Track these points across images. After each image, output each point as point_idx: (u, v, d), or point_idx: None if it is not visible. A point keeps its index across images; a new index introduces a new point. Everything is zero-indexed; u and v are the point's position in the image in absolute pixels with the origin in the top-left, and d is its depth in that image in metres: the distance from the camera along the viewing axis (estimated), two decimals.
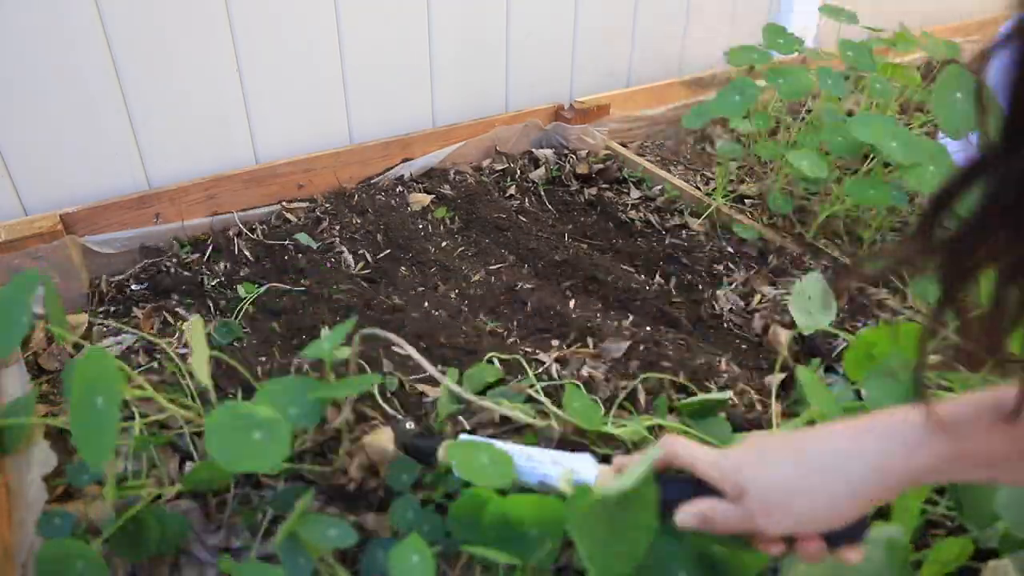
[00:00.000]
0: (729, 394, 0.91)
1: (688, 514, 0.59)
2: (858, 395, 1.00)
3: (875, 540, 0.63)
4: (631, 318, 1.17)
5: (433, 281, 1.26)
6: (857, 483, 0.53)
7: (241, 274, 1.23)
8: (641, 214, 1.50)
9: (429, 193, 1.49)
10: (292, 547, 0.66)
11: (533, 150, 1.69)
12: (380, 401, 0.91)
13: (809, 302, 0.98)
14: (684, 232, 1.45)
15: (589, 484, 0.65)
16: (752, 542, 0.59)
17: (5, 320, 0.70)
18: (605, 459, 0.73)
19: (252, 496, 0.82)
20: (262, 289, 1.18)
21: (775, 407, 0.91)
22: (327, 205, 1.39)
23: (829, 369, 1.05)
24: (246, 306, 1.15)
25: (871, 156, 1.33)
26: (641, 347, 1.05)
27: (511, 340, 1.11)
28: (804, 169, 1.29)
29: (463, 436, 0.78)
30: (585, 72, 1.81)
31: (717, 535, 0.60)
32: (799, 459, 0.56)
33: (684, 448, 0.61)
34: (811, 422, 0.84)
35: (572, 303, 1.19)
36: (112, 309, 1.15)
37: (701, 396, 0.89)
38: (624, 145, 1.79)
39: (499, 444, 0.72)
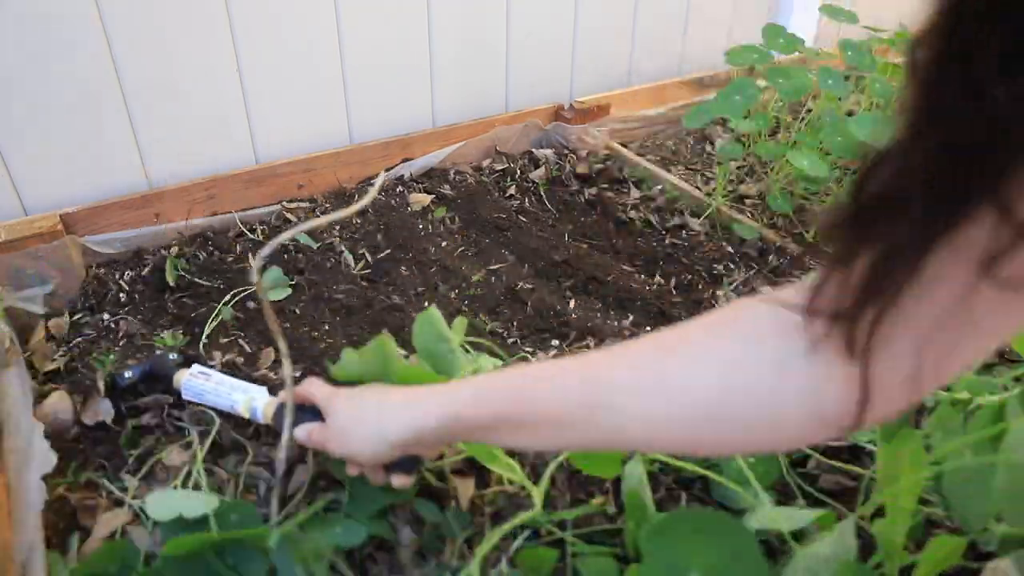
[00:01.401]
0: None
1: (301, 430, 0.75)
2: None
3: (823, 558, 0.62)
4: (631, 318, 1.17)
5: (433, 281, 1.26)
6: (393, 435, 0.67)
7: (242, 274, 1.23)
8: (641, 214, 1.50)
9: (429, 193, 1.49)
10: None
11: (533, 150, 1.69)
12: None
13: None
14: (684, 232, 1.45)
15: (257, 412, 0.84)
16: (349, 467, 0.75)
17: None
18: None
19: None
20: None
21: None
22: (327, 205, 1.39)
23: None
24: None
25: None
26: None
27: (511, 340, 1.11)
28: (804, 169, 1.29)
29: (196, 366, 0.92)
30: (585, 72, 1.81)
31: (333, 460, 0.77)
32: (362, 406, 0.71)
33: (312, 385, 0.78)
34: None
35: (572, 303, 1.19)
36: (107, 308, 1.15)
37: None
38: (624, 145, 1.79)
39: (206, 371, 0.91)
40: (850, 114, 1.60)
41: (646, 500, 0.74)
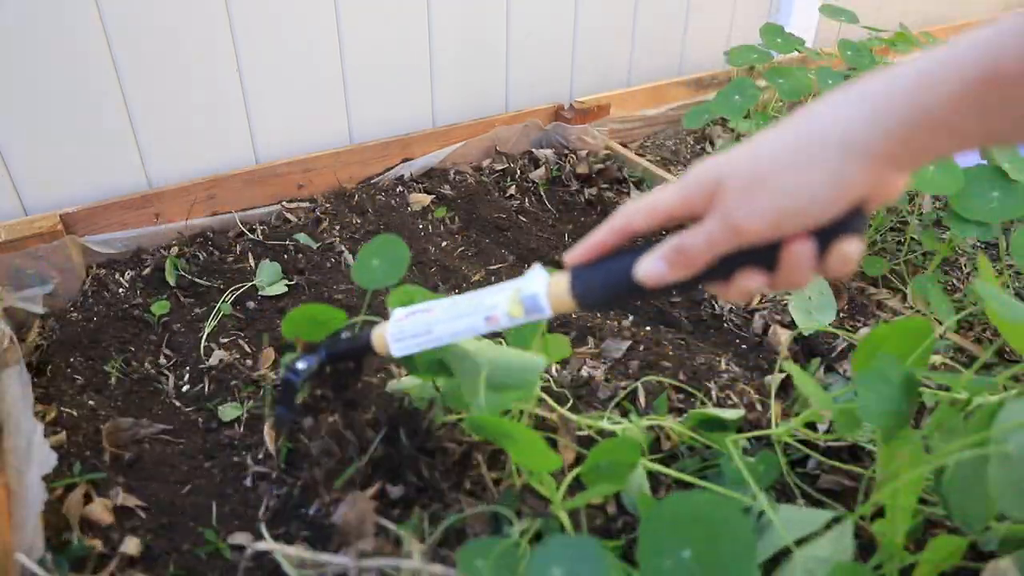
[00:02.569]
0: (741, 412, 0.89)
1: (651, 260, 0.51)
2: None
3: (821, 558, 0.62)
4: (631, 318, 1.17)
5: (433, 281, 1.26)
6: (865, 139, 0.43)
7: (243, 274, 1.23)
8: None
9: (429, 193, 1.49)
10: None
11: (533, 150, 1.69)
12: None
13: (809, 302, 0.98)
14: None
15: (542, 306, 0.58)
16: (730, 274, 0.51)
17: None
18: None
19: None
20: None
21: (775, 407, 0.91)
22: (327, 205, 1.39)
23: (829, 369, 1.05)
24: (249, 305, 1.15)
25: None
26: (641, 347, 1.05)
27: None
28: None
29: (396, 311, 0.69)
30: (585, 72, 1.81)
31: (686, 284, 0.52)
32: (795, 128, 0.46)
33: (642, 198, 0.54)
34: (810, 425, 0.84)
35: None
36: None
37: (714, 411, 0.87)
38: (624, 145, 1.79)
39: (430, 303, 0.67)
40: None
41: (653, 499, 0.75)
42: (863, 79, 0.46)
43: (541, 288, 0.58)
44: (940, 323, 1.17)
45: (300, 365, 0.72)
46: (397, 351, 0.66)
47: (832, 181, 0.44)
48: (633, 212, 0.53)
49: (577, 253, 0.56)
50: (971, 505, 0.60)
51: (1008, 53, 0.40)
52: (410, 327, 0.65)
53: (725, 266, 0.51)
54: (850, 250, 0.47)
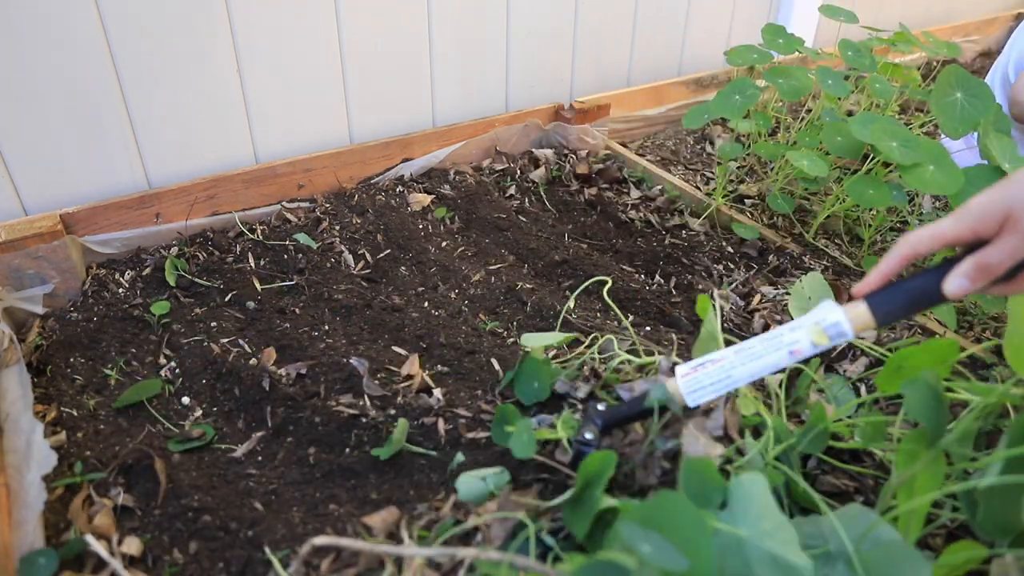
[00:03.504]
0: None
1: (956, 279, 0.63)
2: (857, 392, 1.00)
3: None
4: (631, 318, 1.17)
5: (433, 281, 1.26)
6: None
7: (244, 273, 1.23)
8: (641, 214, 1.50)
9: (429, 193, 1.49)
10: None
11: (533, 150, 1.69)
12: None
13: (809, 302, 0.98)
14: (684, 232, 1.45)
15: (845, 332, 0.67)
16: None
17: None
18: None
19: None
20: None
21: (775, 407, 0.91)
22: (327, 205, 1.39)
23: (829, 369, 1.05)
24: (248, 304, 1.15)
25: (871, 156, 1.33)
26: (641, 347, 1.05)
27: (511, 340, 1.11)
28: (804, 169, 1.29)
29: (678, 369, 0.75)
30: (585, 72, 1.81)
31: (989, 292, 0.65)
32: None
33: (925, 228, 0.66)
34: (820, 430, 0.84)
35: (572, 303, 1.19)
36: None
37: None
38: (624, 145, 1.80)
39: (715, 356, 0.73)
40: (850, 114, 1.60)
41: None
42: None
43: (841, 316, 0.68)
44: (940, 323, 1.17)
45: (587, 435, 0.77)
46: (693, 401, 0.73)
47: None
48: (917, 242, 0.66)
49: (870, 282, 0.68)
50: (1003, 517, 0.60)
51: None
52: (704, 378, 0.72)
53: (1010, 272, 0.64)
54: None
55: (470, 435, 0.90)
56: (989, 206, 0.63)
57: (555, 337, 0.94)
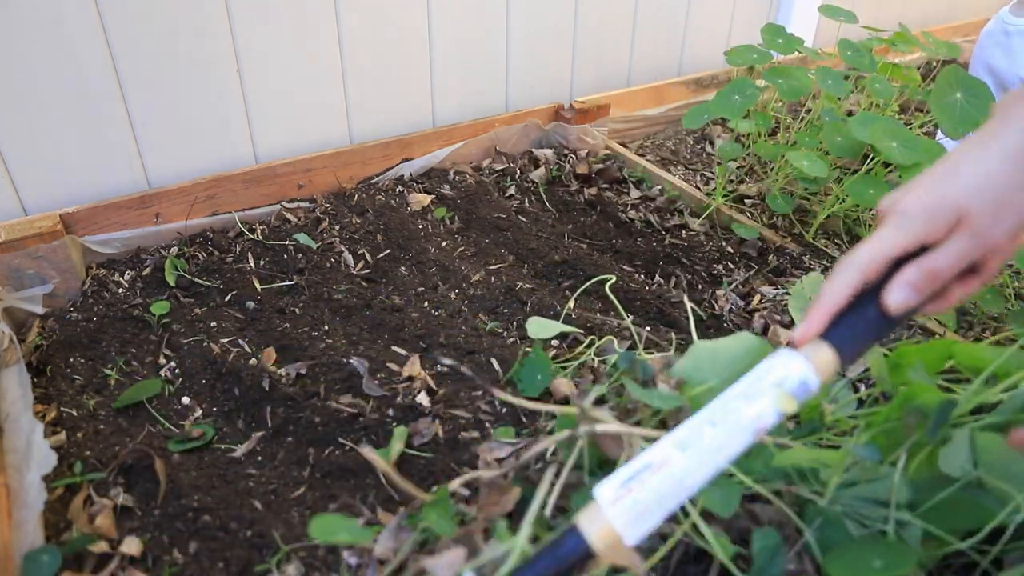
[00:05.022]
0: None
1: (899, 291, 0.56)
2: (855, 389, 1.00)
3: None
4: (631, 318, 1.17)
5: (433, 281, 1.26)
6: None
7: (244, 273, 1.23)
8: (641, 214, 1.50)
9: (429, 193, 1.49)
10: None
11: (533, 150, 1.69)
12: None
13: (809, 302, 0.98)
14: (684, 232, 1.45)
15: (812, 387, 0.57)
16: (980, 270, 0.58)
17: None
18: None
19: None
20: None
21: None
22: (327, 205, 1.39)
23: None
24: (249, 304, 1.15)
25: (871, 156, 1.33)
26: (642, 347, 1.04)
27: (511, 340, 1.11)
28: (804, 169, 1.29)
29: (600, 493, 0.53)
30: (585, 72, 1.81)
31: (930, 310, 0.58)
32: (1013, 149, 0.54)
33: (867, 248, 0.58)
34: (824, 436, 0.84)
35: (572, 303, 1.19)
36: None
37: None
38: (624, 145, 1.80)
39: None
40: (850, 114, 1.60)
41: None
42: None
43: (806, 369, 0.57)
44: (940, 323, 1.17)
45: None
46: (637, 535, 0.51)
47: None
48: (867, 268, 0.58)
49: (815, 324, 0.59)
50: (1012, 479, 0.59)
51: None
52: (646, 496, 0.51)
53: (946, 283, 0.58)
54: None
55: (470, 435, 0.90)
56: (937, 209, 0.56)
57: (560, 327, 0.94)
